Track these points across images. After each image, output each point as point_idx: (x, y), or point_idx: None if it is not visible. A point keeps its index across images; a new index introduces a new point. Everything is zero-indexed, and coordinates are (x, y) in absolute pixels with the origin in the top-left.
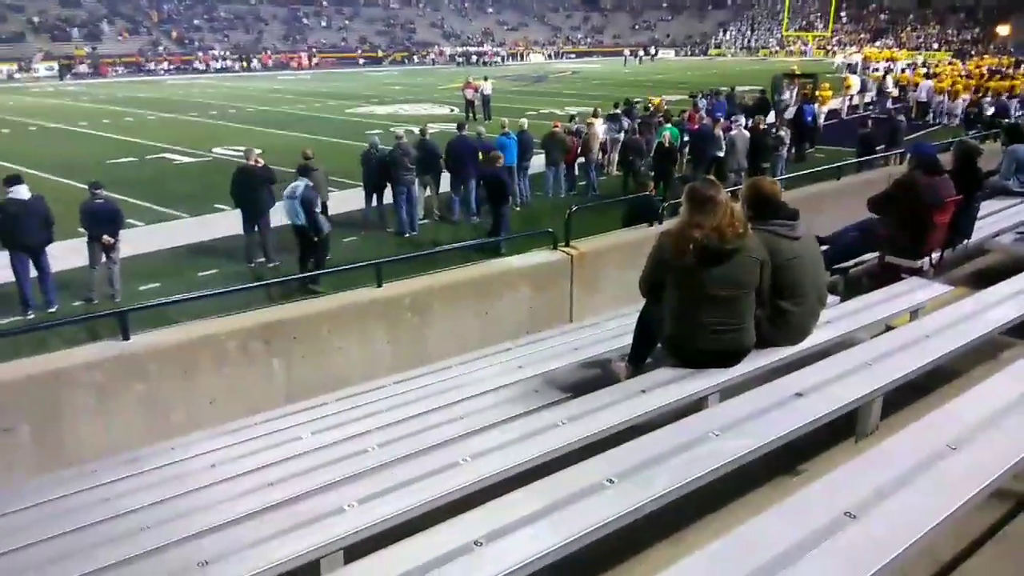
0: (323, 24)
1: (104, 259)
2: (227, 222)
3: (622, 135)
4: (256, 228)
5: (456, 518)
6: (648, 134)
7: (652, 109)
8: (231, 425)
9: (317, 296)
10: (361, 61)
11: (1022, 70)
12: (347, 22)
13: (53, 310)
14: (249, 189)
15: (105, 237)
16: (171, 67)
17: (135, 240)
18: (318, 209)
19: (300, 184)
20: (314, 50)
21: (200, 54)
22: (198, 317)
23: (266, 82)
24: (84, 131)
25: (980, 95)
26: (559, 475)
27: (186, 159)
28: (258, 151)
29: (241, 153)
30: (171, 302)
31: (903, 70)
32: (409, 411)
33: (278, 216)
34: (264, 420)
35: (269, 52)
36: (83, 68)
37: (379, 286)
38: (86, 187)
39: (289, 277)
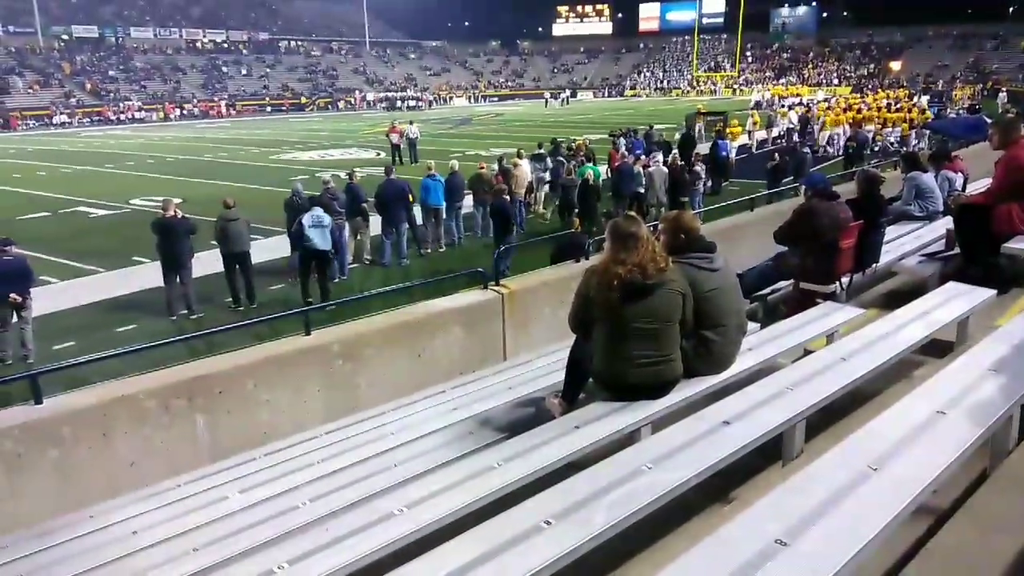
0: (243, 72)
1: (15, 318)
2: (146, 275)
3: (547, 174)
4: (178, 279)
5: (393, 572)
6: (572, 174)
7: (575, 149)
8: (153, 488)
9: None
10: (284, 107)
11: (914, 102)
12: (268, 70)
13: None
14: (169, 241)
15: (12, 296)
16: (85, 119)
17: (50, 297)
18: None
19: (317, 212)
20: (234, 99)
21: (117, 105)
22: (118, 375)
23: (185, 131)
24: None
25: (882, 126)
26: (497, 519)
27: (102, 212)
28: (177, 201)
29: (160, 204)
30: (85, 361)
31: (800, 105)
32: (342, 461)
33: (199, 267)
34: (189, 481)
35: (189, 101)
36: None
37: (307, 334)
38: None
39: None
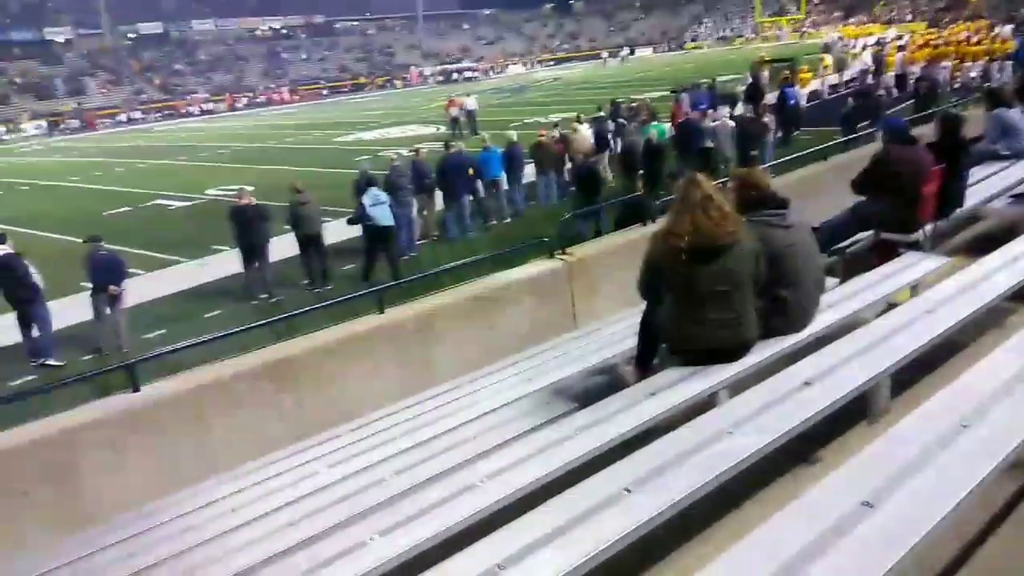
0: (302, 57)
1: (109, 311)
2: (226, 262)
3: (609, 137)
4: (256, 264)
5: (478, 543)
6: (635, 134)
7: (636, 109)
8: (247, 467)
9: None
10: (344, 89)
11: (996, 32)
12: (326, 53)
13: (62, 364)
14: (245, 228)
15: (111, 287)
16: (157, 114)
17: (137, 289)
18: None
19: (373, 191)
20: (295, 84)
21: (185, 98)
22: (208, 359)
23: (252, 119)
24: (77, 185)
25: (960, 61)
26: (577, 488)
27: (180, 203)
28: (250, 189)
29: (234, 192)
30: (176, 349)
31: (874, 45)
32: (422, 435)
33: (276, 251)
34: (279, 459)
35: (253, 90)
36: (71, 123)
37: (381, 312)
38: (83, 241)
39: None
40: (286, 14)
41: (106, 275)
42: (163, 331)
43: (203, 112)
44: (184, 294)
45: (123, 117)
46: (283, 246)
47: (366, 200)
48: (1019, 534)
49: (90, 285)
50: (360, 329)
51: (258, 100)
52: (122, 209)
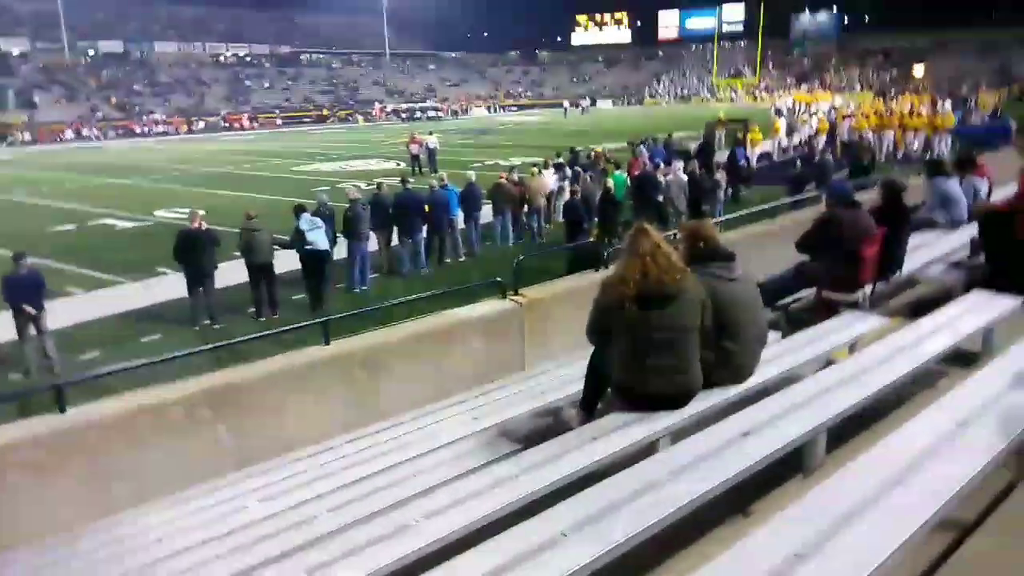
0: (265, 85)
1: (34, 332)
2: (171, 286)
3: (567, 184)
4: (201, 290)
5: None
6: (595, 182)
7: (594, 157)
8: (177, 496)
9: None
10: (306, 120)
11: (937, 107)
12: (290, 83)
13: None
14: (193, 252)
15: (26, 307)
16: (112, 132)
17: (75, 309)
18: None
19: (306, 216)
20: (257, 112)
21: (142, 118)
22: (143, 384)
23: (209, 143)
24: (23, 200)
25: (903, 131)
26: (515, 529)
27: (128, 224)
28: (201, 213)
29: (184, 216)
30: (110, 372)
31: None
32: (362, 471)
33: (222, 277)
34: (212, 489)
35: (213, 115)
36: (22, 136)
37: (326, 343)
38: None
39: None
40: (252, 42)
41: (23, 294)
42: (97, 353)
43: (159, 133)
44: (124, 316)
45: (74, 133)
46: (232, 273)
47: (304, 225)
48: None
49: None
50: (304, 360)
51: (217, 124)
52: (67, 227)
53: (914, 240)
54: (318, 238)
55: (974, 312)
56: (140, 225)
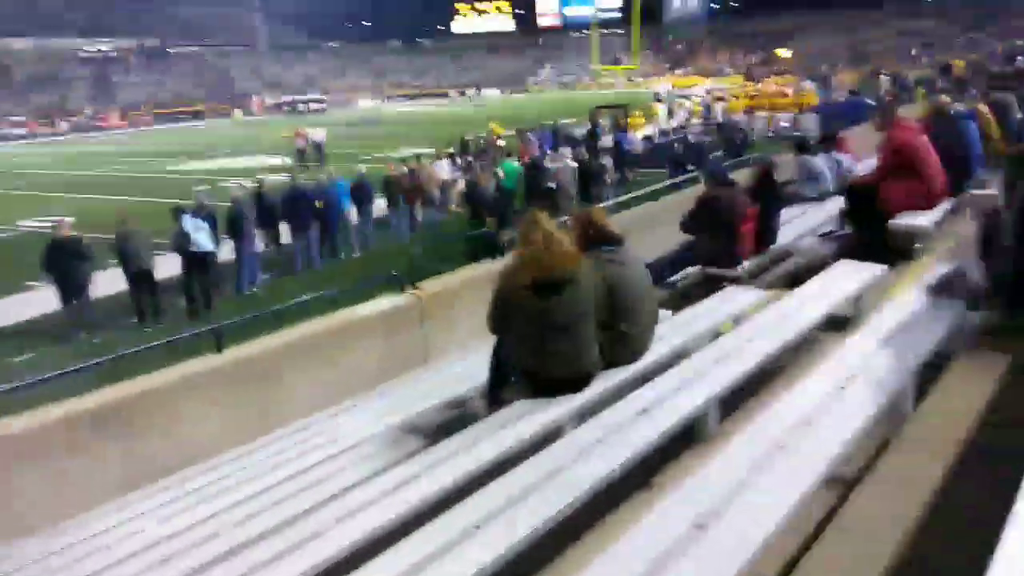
0: (134, 81)
1: None
2: (41, 300)
3: (459, 173)
4: (76, 302)
5: None
6: (488, 171)
7: (485, 145)
8: (60, 527)
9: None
10: (182, 115)
11: (801, 87)
12: (160, 77)
13: None
14: (64, 263)
15: None
16: None
17: None
18: None
19: (187, 216)
20: (127, 109)
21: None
22: (15, 409)
23: (77, 145)
24: None
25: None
26: (427, 528)
27: None
28: (69, 220)
29: (51, 224)
30: None
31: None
32: (264, 482)
33: (104, 286)
34: (102, 514)
35: (79, 114)
36: None
37: (219, 351)
38: None
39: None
40: (116, 36)
41: None
42: None
43: (19, 136)
44: None
45: None
46: (112, 281)
47: (188, 227)
48: (843, 539)
49: None
50: (196, 370)
51: (84, 124)
52: None
53: (786, 214)
54: (202, 239)
55: (844, 280)
56: (3, 237)
